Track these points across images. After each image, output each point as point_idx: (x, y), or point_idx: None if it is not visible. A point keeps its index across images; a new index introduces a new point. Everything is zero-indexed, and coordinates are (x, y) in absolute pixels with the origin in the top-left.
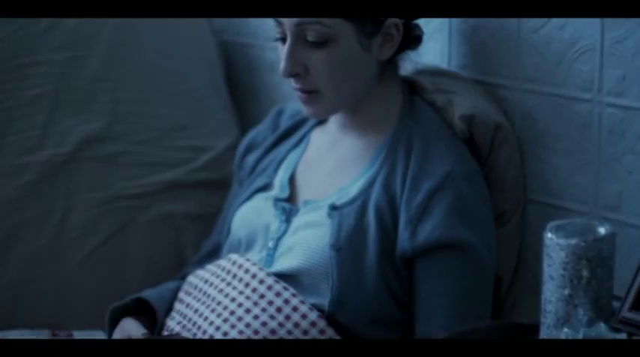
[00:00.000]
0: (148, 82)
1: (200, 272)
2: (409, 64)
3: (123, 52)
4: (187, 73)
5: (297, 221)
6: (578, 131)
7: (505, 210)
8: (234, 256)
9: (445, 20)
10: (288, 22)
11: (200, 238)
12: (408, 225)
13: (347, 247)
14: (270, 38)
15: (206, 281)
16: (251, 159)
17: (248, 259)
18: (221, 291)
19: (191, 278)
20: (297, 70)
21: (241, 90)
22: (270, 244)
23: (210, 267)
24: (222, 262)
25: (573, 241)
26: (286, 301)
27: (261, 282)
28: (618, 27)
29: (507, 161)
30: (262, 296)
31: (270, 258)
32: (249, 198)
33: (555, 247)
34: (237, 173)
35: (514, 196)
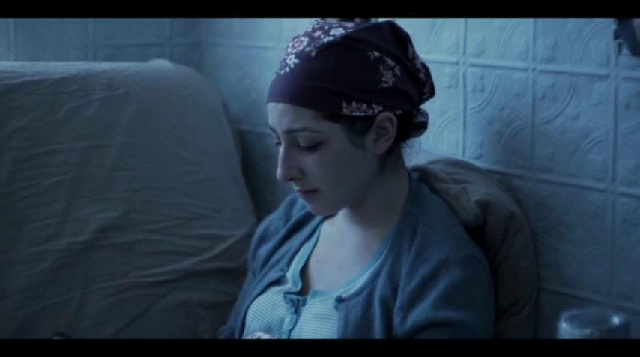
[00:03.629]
0: (165, 171)
1: None
2: (423, 154)
3: (141, 142)
4: (204, 163)
5: (306, 312)
6: (591, 221)
7: (518, 299)
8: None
9: (460, 111)
10: (279, 129)
11: (216, 325)
12: (400, 311)
13: (354, 339)
14: None
15: None
16: (264, 250)
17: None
18: None
19: None
20: (292, 174)
21: (257, 179)
22: (283, 337)
23: None
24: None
25: (587, 330)
26: None
27: None
28: (631, 117)
29: (521, 250)
30: None
31: None
32: (263, 291)
33: (569, 337)
34: (250, 264)
35: (528, 285)
